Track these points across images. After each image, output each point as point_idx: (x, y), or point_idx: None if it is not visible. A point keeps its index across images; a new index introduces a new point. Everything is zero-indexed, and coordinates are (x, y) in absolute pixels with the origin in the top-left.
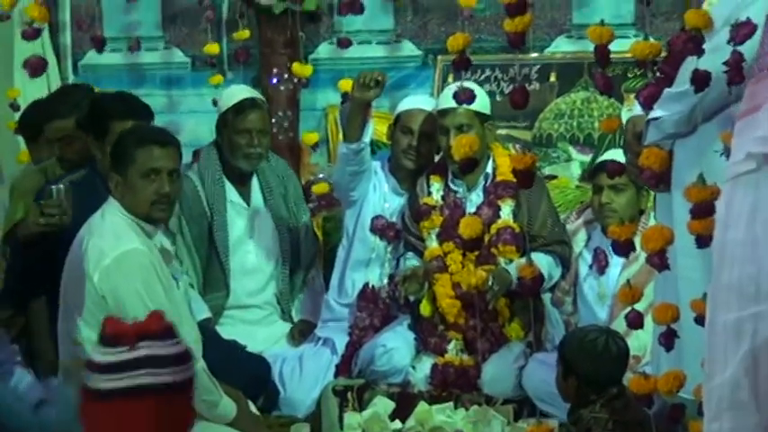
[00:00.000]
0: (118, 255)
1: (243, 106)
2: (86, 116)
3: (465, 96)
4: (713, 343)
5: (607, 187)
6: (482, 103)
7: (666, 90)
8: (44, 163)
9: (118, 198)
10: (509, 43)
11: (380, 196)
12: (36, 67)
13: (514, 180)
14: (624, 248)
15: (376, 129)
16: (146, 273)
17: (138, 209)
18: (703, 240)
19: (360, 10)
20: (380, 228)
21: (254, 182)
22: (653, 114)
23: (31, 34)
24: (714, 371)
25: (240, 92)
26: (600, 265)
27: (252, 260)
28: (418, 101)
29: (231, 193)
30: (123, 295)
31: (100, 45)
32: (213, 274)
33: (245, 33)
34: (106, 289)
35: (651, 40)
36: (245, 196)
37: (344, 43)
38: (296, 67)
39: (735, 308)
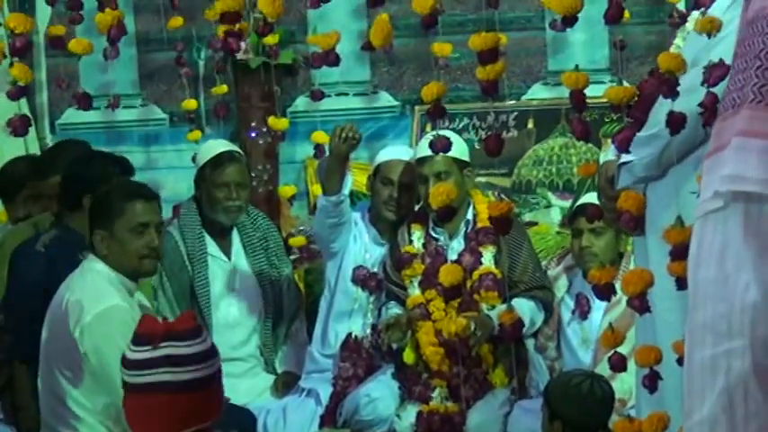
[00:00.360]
0: (99, 312)
1: (221, 160)
2: (83, 174)
3: (441, 145)
4: (691, 381)
5: (587, 231)
6: (460, 150)
7: (636, 134)
8: (35, 218)
9: (102, 254)
10: (482, 91)
11: (361, 247)
12: (19, 126)
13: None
14: (605, 292)
15: (355, 179)
16: (127, 329)
17: (128, 263)
18: (683, 282)
19: (335, 62)
20: (362, 278)
21: (235, 236)
22: (624, 159)
23: (16, 94)
24: (693, 408)
25: (218, 146)
26: (582, 311)
27: (234, 313)
28: (397, 151)
29: (212, 247)
30: (105, 352)
31: (86, 102)
32: None
33: (224, 88)
34: (88, 346)
35: (626, 84)
36: (226, 250)
37: (318, 95)
38: (272, 120)
39: (709, 345)
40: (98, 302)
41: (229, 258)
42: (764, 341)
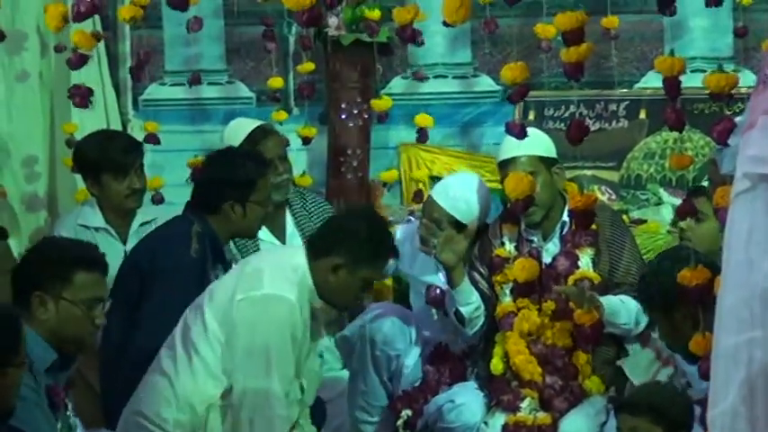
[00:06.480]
0: (271, 294)
1: (256, 136)
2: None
3: (516, 129)
4: (716, 368)
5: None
6: (544, 147)
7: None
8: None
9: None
10: (565, 74)
11: None
12: (80, 97)
13: (593, 228)
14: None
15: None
16: (285, 328)
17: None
18: None
19: (412, 39)
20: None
21: (288, 218)
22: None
23: (76, 62)
24: (716, 398)
25: (247, 124)
26: None
27: None
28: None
29: (262, 231)
30: (247, 332)
31: (138, 74)
32: None
33: (310, 66)
34: (239, 317)
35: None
36: (278, 234)
37: (420, 77)
38: (375, 101)
39: (733, 333)
40: (276, 285)
41: (283, 242)
42: None
